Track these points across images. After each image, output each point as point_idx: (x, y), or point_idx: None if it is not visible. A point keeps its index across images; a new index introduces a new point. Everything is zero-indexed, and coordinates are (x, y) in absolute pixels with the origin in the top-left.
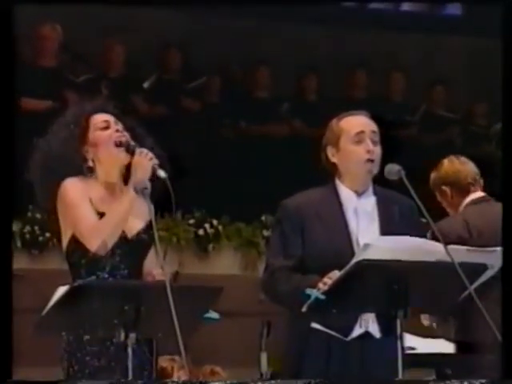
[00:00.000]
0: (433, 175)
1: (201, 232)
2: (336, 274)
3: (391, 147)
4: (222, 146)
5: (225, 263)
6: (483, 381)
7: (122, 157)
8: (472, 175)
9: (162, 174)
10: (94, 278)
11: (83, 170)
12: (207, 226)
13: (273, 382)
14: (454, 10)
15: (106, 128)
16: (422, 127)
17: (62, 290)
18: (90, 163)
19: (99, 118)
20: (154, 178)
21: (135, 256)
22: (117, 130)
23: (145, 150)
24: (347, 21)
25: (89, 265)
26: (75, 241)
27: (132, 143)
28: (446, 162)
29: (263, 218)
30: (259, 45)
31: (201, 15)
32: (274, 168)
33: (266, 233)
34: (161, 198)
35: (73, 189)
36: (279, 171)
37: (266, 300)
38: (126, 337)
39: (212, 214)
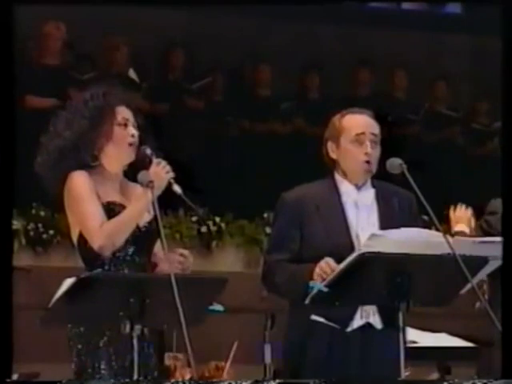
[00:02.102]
0: None
1: (204, 229)
2: (330, 261)
3: (394, 145)
4: (225, 144)
5: (228, 260)
6: (484, 381)
7: (130, 157)
8: None
9: (177, 190)
10: (100, 270)
11: (89, 159)
12: (210, 223)
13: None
14: (455, 8)
15: (125, 126)
16: (425, 125)
17: (68, 282)
18: (96, 152)
19: (120, 114)
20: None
21: (145, 245)
22: (132, 135)
23: (162, 162)
24: (349, 19)
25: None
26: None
27: (149, 151)
28: None
29: (266, 215)
30: (262, 43)
31: (204, 14)
32: (277, 166)
33: (268, 230)
34: (164, 195)
35: (80, 182)
36: (282, 169)
37: (268, 297)
38: (132, 329)
39: (215, 211)
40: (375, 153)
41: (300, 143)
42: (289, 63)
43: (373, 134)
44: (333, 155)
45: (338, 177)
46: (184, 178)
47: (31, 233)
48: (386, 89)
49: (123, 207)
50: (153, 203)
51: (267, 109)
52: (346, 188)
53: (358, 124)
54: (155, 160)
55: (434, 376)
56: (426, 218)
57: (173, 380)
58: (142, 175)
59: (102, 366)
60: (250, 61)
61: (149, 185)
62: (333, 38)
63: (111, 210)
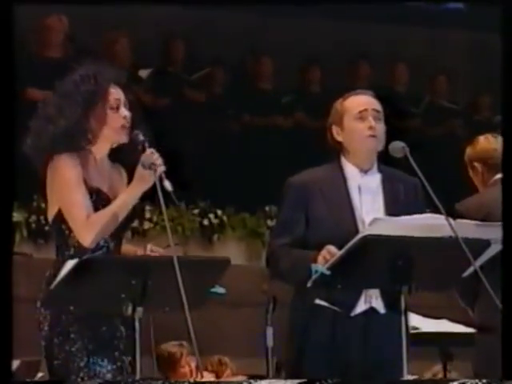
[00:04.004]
0: (467, 150)
1: (205, 222)
2: (331, 248)
3: (395, 137)
4: (225, 137)
5: (229, 253)
6: (483, 381)
7: (122, 139)
8: None
9: (168, 186)
10: (101, 252)
11: (84, 143)
12: (212, 216)
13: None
14: (456, 3)
15: (117, 108)
16: (426, 118)
17: (70, 264)
18: (90, 136)
19: (113, 95)
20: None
21: (119, 231)
22: (124, 117)
23: (155, 154)
24: (350, 13)
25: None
26: (62, 215)
27: (141, 138)
28: (481, 138)
29: (267, 208)
30: (263, 36)
31: (205, 7)
32: (278, 159)
33: (270, 223)
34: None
35: (69, 166)
36: (283, 162)
37: (270, 290)
38: (134, 311)
39: (216, 204)
40: (379, 127)
41: (301, 137)
42: (290, 57)
43: (375, 110)
44: (338, 137)
45: (343, 160)
46: (185, 171)
47: (33, 225)
48: (387, 82)
49: (107, 196)
50: (157, 190)
51: (268, 102)
52: (351, 172)
53: (359, 102)
54: (148, 150)
55: (437, 368)
56: (428, 211)
57: (186, 380)
58: (145, 157)
59: (73, 349)
60: (251, 54)
61: (151, 167)
62: (334, 32)
63: (94, 197)
